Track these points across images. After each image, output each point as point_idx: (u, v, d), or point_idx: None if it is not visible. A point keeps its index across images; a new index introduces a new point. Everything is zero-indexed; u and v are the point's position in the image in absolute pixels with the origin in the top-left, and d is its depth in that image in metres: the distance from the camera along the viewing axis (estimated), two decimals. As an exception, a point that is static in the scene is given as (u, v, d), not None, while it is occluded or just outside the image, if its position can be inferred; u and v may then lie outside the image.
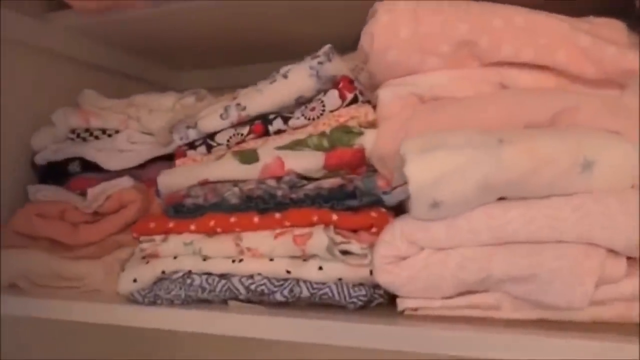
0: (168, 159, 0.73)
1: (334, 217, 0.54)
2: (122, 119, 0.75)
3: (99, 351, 0.94)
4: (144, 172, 0.74)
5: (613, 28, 0.54)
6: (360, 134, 0.58)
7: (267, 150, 0.59)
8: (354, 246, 0.53)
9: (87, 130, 0.77)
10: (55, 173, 0.78)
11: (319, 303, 0.55)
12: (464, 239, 0.49)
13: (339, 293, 0.54)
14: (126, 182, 0.72)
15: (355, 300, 0.53)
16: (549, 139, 0.46)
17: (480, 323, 0.48)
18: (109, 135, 0.76)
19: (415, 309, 0.52)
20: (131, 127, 0.75)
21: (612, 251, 0.46)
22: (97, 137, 0.77)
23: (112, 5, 0.81)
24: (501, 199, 0.49)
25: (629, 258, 0.46)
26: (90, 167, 0.76)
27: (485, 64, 0.56)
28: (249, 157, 0.60)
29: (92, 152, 0.75)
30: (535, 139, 0.46)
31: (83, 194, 0.74)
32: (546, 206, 0.47)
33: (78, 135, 0.77)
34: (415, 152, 0.47)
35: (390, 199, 0.50)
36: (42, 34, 0.86)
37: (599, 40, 0.52)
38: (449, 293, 0.50)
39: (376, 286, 0.54)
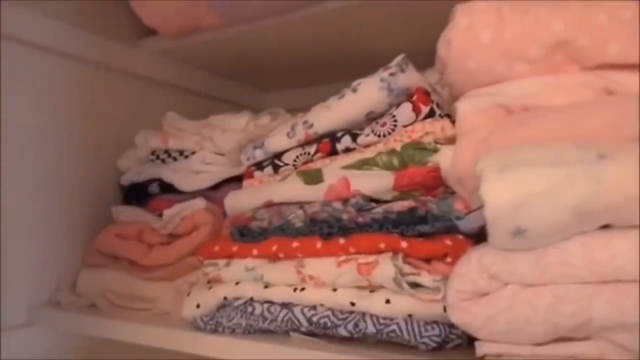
0: (241, 180, 0.71)
1: (403, 244, 0.48)
2: (198, 140, 0.75)
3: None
4: (218, 193, 0.73)
5: None
6: (435, 151, 0.52)
7: (333, 170, 0.55)
8: (425, 278, 0.46)
9: (166, 151, 0.78)
10: (137, 194, 0.80)
11: (387, 341, 0.49)
12: (556, 275, 0.40)
13: (408, 331, 0.47)
14: (199, 203, 0.71)
15: (427, 340, 0.47)
16: (665, 153, 0.37)
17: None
18: (186, 157, 0.76)
19: (499, 356, 0.44)
20: (205, 148, 0.74)
21: None
22: (175, 159, 0.77)
23: (193, 27, 0.83)
24: (605, 226, 0.40)
25: None
26: (168, 188, 0.77)
27: (586, 67, 0.47)
28: (313, 178, 0.56)
29: (169, 173, 0.75)
30: (646, 152, 0.37)
31: (161, 215, 0.74)
32: (663, 237, 0.37)
33: (157, 157, 0.79)
34: (493, 169, 0.40)
35: (465, 225, 0.43)
36: (132, 60, 0.90)
37: None
38: (540, 339, 0.42)
39: (452, 325, 0.47)
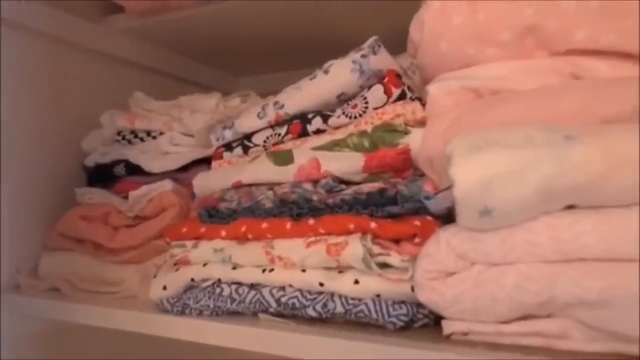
0: (210, 162, 0.70)
1: (373, 225, 0.48)
2: (166, 121, 0.74)
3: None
4: (186, 175, 0.72)
5: None
6: (406, 133, 0.52)
7: (303, 151, 0.55)
8: (394, 258, 0.47)
9: (132, 132, 0.76)
10: (102, 175, 0.78)
11: (355, 321, 0.49)
12: (522, 254, 0.41)
13: (376, 311, 0.47)
14: (166, 185, 0.69)
15: (395, 320, 0.47)
16: (628, 135, 0.37)
17: (545, 355, 0.40)
18: (154, 137, 0.75)
19: (465, 334, 0.44)
20: (174, 129, 0.73)
21: None
22: (142, 139, 0.76)
23: (162, 6, 0.80)
24: (570, 206, 0.41)
25: None
26: (135, 169, 0.75)
27: (555, 52, 0.48)
28: (283, 158, 0.55)
29: (136, 154, 0.74)
30: (611, 135, 0.38)
31: (127, 197, 0.73)
32: (625, 217, 0.38)
33: (124, 137, 0.77)
34: (462, 151, 0.40)
35: (434, 205, 0.44)
36: (98, 38, 0.87)
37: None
38: (505, 317, 0.43)
39: (420, 305, 0.47)
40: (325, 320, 0.51)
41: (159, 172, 0.72)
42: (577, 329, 0.41)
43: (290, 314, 0.52)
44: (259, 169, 0.57)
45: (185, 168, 0.73)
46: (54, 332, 0.78)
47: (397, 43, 0.58)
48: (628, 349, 0.39)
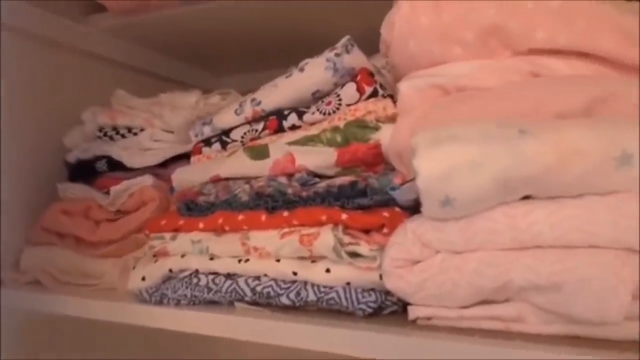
0: (190, 158, 0.72)
1: (344, 216, 0.50)
2: (147, 117, 0.75)
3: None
4: (166, 171, 0.73)
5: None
6: (377, 128, 0.54)
7: (279, 146, 0.57)
8: (363, 248, 0.49)
9: (114, 128, 0.78)
10: (84, 171, 0.79)
11: (327, 309, 0.51)
12: (481, 242, 0.43)
13: (346, 298, 0.49)
14: (146, 180, 0.71)
15: (364, 306, 0.49)
16: (579, 129, 0.40)
17: (503, 337, 0.43)
18: (135, 134, 0.76)
19: (429, 319, 0.47)
20: (154, 125, 0.74)
21: (655, 258, 0.39)
22: (123, 136, 0.77)
23: (143, 5, 0.82)
24: (526, 197, 0.43)
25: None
26: (116, 165, 0.76)
27: (517, 52, 0.51)
28: (259, 153, 0.57)
29: (118, 150, 0.75)
30: (563, 128, 0.40)
31: (108, 192, 0.74)
32: (576, 206, 0.41)
33: (105, 134, 0.78)
34: (425, 144, 0.43)
35: (400, 195, 0.46)
36: (80, 36, 0.88)
37: (644, 21, 0.45)
38: (466, 302, 0.45)
39: (388, 292, 0.49)
40: (298, 309, 0.53)
41: (140, 167, 0.73)
42: (533, 312, 0.43)
43: (265, 302, 0.54)
44: (236, 163, 0.58)
45: (165, 164, 0.74)
46: (38, 325, 0.79)
47: (375, 44, 0.60)
48: (581, 331, 0.42)
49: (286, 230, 0.53)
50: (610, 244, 0.39)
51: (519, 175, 0.40)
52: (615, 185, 0.40)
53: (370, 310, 0.49)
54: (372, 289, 0.50)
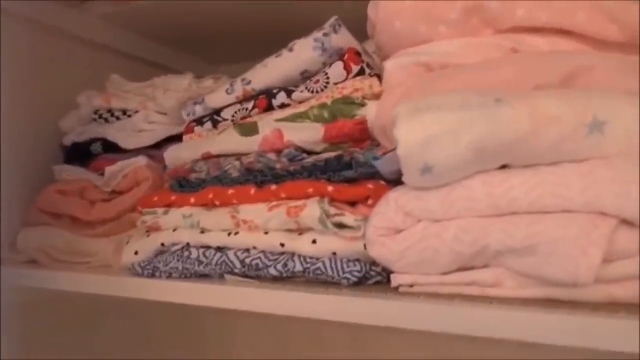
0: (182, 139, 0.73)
1: (330, 188, 0.52)
2: (141, 100, 0.77)
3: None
4: (160, 152, 0.75)
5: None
6: (363, 105, 0.55)
7: (267, 123, 0.58)
8: (348, 218, 0.50)
9: (109, 111, 0.79)
10: (79, 154, 0.81)
11: (314, 279, 0.53)
12: (460, 209, 0.45)
13: (332, 268, 0.51)
14: (140, 160, 0.72)
15: (348, 275, 0.50)
16: (554, 98, 0.42)
17: (481, 301, 0.44)
18: (129, 116, 0.77)
19: (411, 285, 0.48)
20: (148, 107, 0.76)
21: (626, 222, 0.41)
22: (118, 118, 0.78)
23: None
24: (504, 166, 0.45)
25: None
26: (111, 147, 0.78)
27: (499, 30, 0.52)
28: (248, 129, 0.59)
29: (112, 132, 0.77)
30: (538, 97, 0.42)
31: (103, 173, 0.75)
32: (550, 173, 0.42)
33: (100, 116, 0.79)
34: (405, 114, 0.44)
35: (382, 165, 0.47)
36: (77, 23, 0.90)
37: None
38: (446, 268, 0.46)
39: (373, 263, 0.51)
40: (285, 280, 0.55)
41: (134, 148, 0.74)
42: (509, 276, 0.45)
43: (254, 274, 0.55)
44: (226, 140, 0.60)
45: (158, 145, 0.76)
46: (35, 304, 0.80)
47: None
48: (554, 294, 0.43)
49: (274, 203, 0.54)
50: (582, 208, 0.41)
51: (495, 142, 0.42)
52: (588, 152, 0.42)
53: (355, 279, 0.50)
54: (357, 259, 0.51)
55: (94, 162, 0.79)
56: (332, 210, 0.51)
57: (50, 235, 0.75)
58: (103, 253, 0.70)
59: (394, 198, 0.48)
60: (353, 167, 0.52)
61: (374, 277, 0.52)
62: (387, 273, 0.51)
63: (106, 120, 0.79)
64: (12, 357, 0.74)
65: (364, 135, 0.56)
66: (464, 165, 0.44)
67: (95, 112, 0.80)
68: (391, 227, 0.48)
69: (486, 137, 0.42)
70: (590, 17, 0.47)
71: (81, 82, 0.89)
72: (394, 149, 0.45)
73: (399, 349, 0.91)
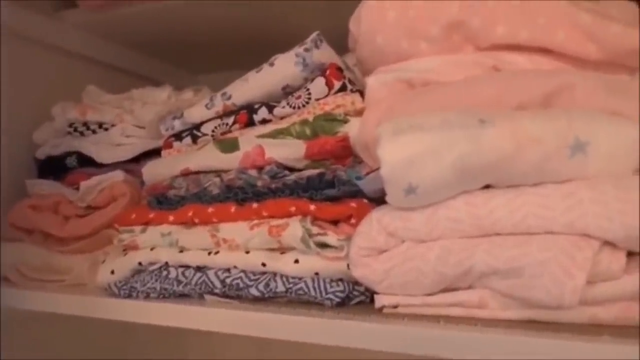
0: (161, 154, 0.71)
1: (312, 207, 0.51)
2: (118, 113, 0.75)
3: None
4: (138, 166, 0.73)
5: (623, 9, 0.49)
6: (345, 122, 0.55)
7: (248, 139, 0.57)
8: (331, 238, 0.49)
9: (84, 124, 0.77)
10: (54, 168, 0.78)
11: (297, 300, 0.52)
12: (444, 230, 0.45)
13: (315, 288, 0.50)
14: (117, 175, 0.71)
15: (331, 296, 0.50)
16: (536, 119, 0.42)
17: (466, 323, 0.44)
18: (105, 129, 0.76)
19: (395, 307, 0.48)
20: (126, 121, 0.74)
21: (609, 244, 0.41)
22: (94, 131, 0.77)
23: (115, 1, 0.82)
24: (487, 186, 0.44)
25: (630, 254, 0.41)
26: (86, 161, 0.76)
27: (480, 47, 0.52)
28: (229, 146, 0.58)
29: (88, 145, 0.75)
30: (521, 118, 0.42)
31: (78, 188, 0.73)
32: (533, 193, 0.42)
33: (75, 129, 0.77)
34: (388, 134, 0.44)
35: (365, 185, 0.47)
36: (52, 32, 0.87)
37: (601, 18, 0.47)
38: (430, 289, 0.46)
39: (356, 282, 0.50)
40: (267, 300, 0.53)
41: (111, 162, 0.73)
42: (494, 298, 0.44)
43: (235, 294, 0.54)
44: (206, 156, 0.59)
45: (136, 159, 0.74)
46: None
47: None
48: (538, 315, 0.43)
49: (255, 222, 0.53)
50: (566, 230, 0.41)
51: (479, 162, 0.42)
52: (571, 172, 0.42)
53: (338, 299, 0.50)
54: (340, 279, 0.51)
55: (69, 176, 0.76)
56: (315, 230, 0.50)
57: (22, 252, 0.72)
58: (78, 271, 0.67)
59: (376, 218, 0.47)
60: (335, 186, 0.51)
61: (357, 297, 0.51)
62: (370, 293, 0.51)
63: (82, 133, 0.77)
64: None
65: (346, 152, 0.55)
66: (447, 185, 0.43)
67: (70, 125, 0.77)
68: (374, 248, 0.47)
69: (469, 157, 0.41)
70: (570, 36, 0.48)
71: (56, 93, 0.87)
72: (377, 169, 0.45)
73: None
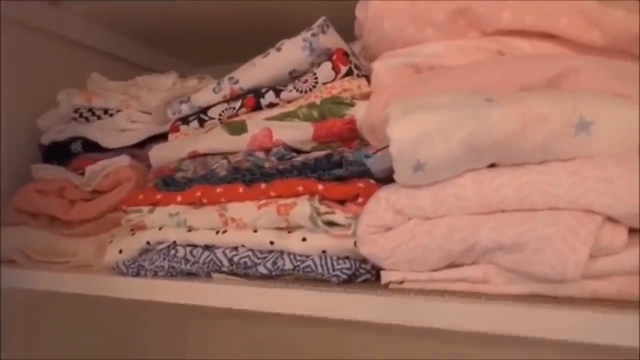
0: (167, 139, 0.72)
1: (320, 187, 0.52)
2: (124, 99, 0.75)
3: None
4: (144, 152, 0.74)
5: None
6: (352, 105, 0.56)
7: (256, 122, 0.58)
8: (338, 216, 0.50)
9: (89, 110, 0.78)
10: (58, 153, 0.79)
11: (304, 278, 0.53)
12: (451, 207, 0.46)
13: (322, 265, 0.51)
14: (123, 160, 0.71)
15: (338, 273, 0.51)
16: (542, 98, 0.43)
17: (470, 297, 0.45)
18: (111, 115, 0.76)
19: (401, 282, 0.49)
20: (131, 107, 0.74)
21: (611, 220, 0.42)
22: (99, 117, 0.77)
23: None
24: (493, 165, 0.46)
25: (631, 231, 0.42)
26: (91, 147, 0.76)
27: (485, 32, 0.53)
28: (237, 128, 0.58)
29: (93, 131, 0.75)
30: (527, 98, 0.43)
31: (83, 173, 0.74)
32: (539, 171, 0.43)
33: (81, 115, 0.78)
34: (397, 113, 0.45)
35: (373, 164, 0.48)
36: (53, 20, 0.88)
37: (605, 5, 0.48)
38: (436, 265, 0.47)
39: (362, 260, 0.51)
40: (274, 278, 0.54)
41: (116, 147, 0.73)
42: (498, 273, 0.45)
43: (242, 272, 0.55)
44: (214, 139, 0.60)
45: (142, 145, 0.75)
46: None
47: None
48: (541, 289, 0.44)
49: (263, 201, 0.54)
50: (570, 206, 0.42)
51: (486, 140, 0.43)
52: (575, 151, 0.43)
53: (344, 276, 0.51)
54: (347, 257, 0.51)
55: (74, 161, 0.77)
56: (323, 209, 0.51)
57: (27, 236, 0.73)
58: (83, 253, 0.68)
59: (384, 196, 0.48)
60: (343, 166, 0.52)
61: (363, 275, 0.52)
62: (376, 271, 0.51)
63: (87, 119, 0.78)
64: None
65: (352, 135, 0.56)
66: (455, 163, 0.44)
67: (76, 111, 0.78)
68: (382, 225, 0.48)
69: (476, 135, 0.42)
70: (573, 21, 0.49)
71: (60, 81, 0.87)
72: (386, 147, 0.46)
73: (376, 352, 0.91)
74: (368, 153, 0.49)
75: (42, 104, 0.83)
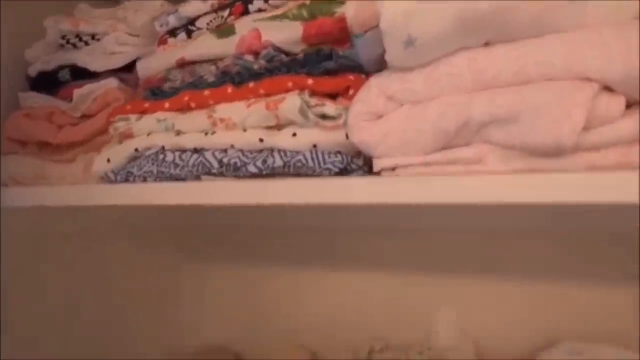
0: (156, 60, 0.71)
1: (310, 81, 0.51)
2: (111, 23, 0.74)
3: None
4: (133, 76, 0.72)
5: None
6: (342, 2, 0.54)
7: (245, 24, 0.57)
8: (329, 107, 0.49)
9: (77, 35, 0.76)
10: (46, 83, 0.77)
11: (295, 174, 0.52)
12: (444, 87, 0.45)
13: (313, 159, 0.50)
14: (111, 82, 0.70)
15: (330, 166, 0.50)
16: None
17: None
18: (98, 40, 0.74)
19: (393, 169, 0.48)
20: (119, 29, 0.73)
21: (608, 89, 0.41)
22: (86, 43, 0.75)
23: None
24: (487, 44, 0.44)
25: (628, 105, 0.41)
26: (80, 74, 0.74)
27: None
28: (225, 31, 0.57)
29: (82, 56, 0.73)
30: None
31: (72, 101, 0.72)
32: (532, 43, 0.42)
33: (68, 42, 0.76)
34: (389, -13, 0.44)
35: (363, 44, 0.47)
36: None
37: None
38: (429, 148, 0.46)
39: (354, 155, 0.50)
40: (265, 177, 0.53)
41: (104, 70, 0.72)
42: (493, 152, 0.44)
43: (232, 174, 0.54)
44: (202, 44, 0.58)
45: (130, 69, 0.73)
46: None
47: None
48: (537, 165, 0.43)
49: (252, 100, 0.53)
50: (565, 74, 0.41)
51: (479, 12, 0.41)
52: (569, 21, 0.42)
53: (336, 169, 0.50)
54: (339, 152, 0.50)
55: (62, 90, 0.75)
56: (313, 101, 0.50)
57: (17, 164, 0.72)
58: (73, 175, 0.67)
59: (375, 83, 0.47)
60: (333, 58, 0.51)
61: (355, 171, 0.51)
62: (368, 167, 0.50)
63: (74, 45, 0.76)
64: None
65: (343, 35, 0.54)
66: (447, 37, 0.43)
67: (63, 37, 0.76)
68: (373, 112, 0.47)
69: (468, 8, 0.41)
70: None
71: (47, 13, 0.85)
72: (376, 26, 0.45)
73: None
74: (358, 34, 0.48)
75: (32, 37, 0.81)
